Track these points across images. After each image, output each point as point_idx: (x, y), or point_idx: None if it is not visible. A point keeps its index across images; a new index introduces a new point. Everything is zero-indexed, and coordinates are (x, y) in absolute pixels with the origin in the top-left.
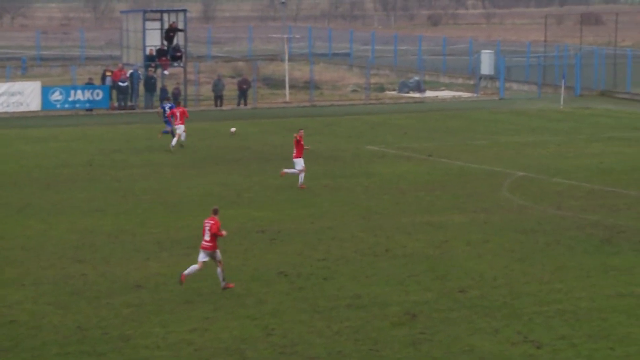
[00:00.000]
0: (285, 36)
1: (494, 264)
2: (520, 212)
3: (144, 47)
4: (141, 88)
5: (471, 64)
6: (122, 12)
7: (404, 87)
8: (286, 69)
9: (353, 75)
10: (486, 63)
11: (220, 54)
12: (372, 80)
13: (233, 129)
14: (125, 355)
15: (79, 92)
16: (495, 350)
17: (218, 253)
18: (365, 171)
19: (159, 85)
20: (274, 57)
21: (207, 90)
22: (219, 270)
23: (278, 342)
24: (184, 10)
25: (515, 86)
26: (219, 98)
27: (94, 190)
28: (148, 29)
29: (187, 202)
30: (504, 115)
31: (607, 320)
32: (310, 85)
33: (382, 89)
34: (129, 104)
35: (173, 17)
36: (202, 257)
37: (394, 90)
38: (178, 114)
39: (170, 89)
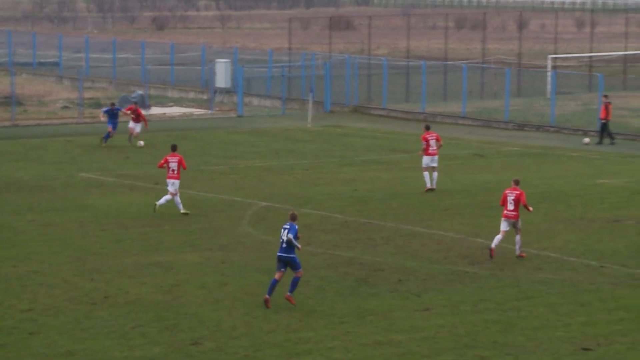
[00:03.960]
0: None
1: (233, 311)
2: (264, 248)
3: None
4: None
5: (204, 76)
6: None
7: (126, 102)
8: None
9: (63, 89)
10: (222, 74)
11: None
12: (87, 95)
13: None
14: None
15: None
16: None
17: (520, 222)
18: (80, 203)
19: None
20: None
21: None
22: (517, 237)
23: None
24: None
25: (256, 101)
26: None
27: None
28: None
29: None
30: (243, 135)
31: None
32: (11, 100)
33: (98, 104)
34: None
35: None
36: (505, 226)
37: (109, 106)
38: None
39: None
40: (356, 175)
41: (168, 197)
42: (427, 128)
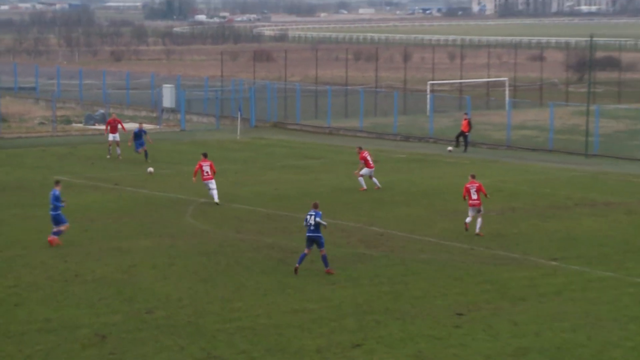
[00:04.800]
0: None
1: (179, 286)
2: (203, 236)
3: None
4: None
5: (153, 97)
6: None
7: (90, 119)
8: None
9: (40, 109)
10: (168, 96)
11: None
12: (59, 113)
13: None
14: None
15: None
16: None
17: (482, 208)
18: None
19: None
20: None
21: None
22: (479, 220)
23: None
24: None
25: (195, 118)
26: None
27: None
28: None
29: None
30: (185, 145)
31: (283, 335)
32: None
33: (68, 121)
34: None
35: None
36: (472, 212)
37: (80, 122)
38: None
39: None
40: (276, 177)
41: (212, 192)
42: (361, 148)
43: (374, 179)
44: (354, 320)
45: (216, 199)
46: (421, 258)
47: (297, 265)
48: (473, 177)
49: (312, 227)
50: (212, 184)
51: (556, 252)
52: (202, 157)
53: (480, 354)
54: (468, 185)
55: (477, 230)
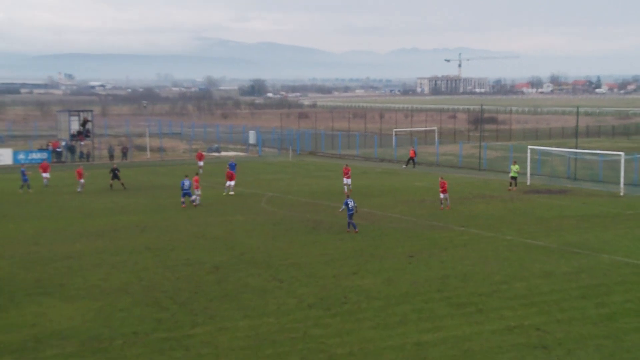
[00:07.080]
0: (147, 124)
1: (259, 241)
2: (272, 214)
3: (70, 129)
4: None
5: (244, 137)
6: (57, 111)
7: (210, 149)
8: (147, 141)
9: (183, 144)
10: (252, 137)
11: (112, 134)
12: (194, 146)
13: (231, 192)
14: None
15: (34, 154)
16: (259, 285)
17: (447, 194)
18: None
19: (78, 150)
20: (141, 135)
21: (105, 152)
22: (445, 196)
23: (146, 284)
24: (91, 111)
25: (267, 149)
26: (111, 156)
27: (49, 205)
28: (72, 120)
29: (100, 211)
30: (261, 164)
31: (314, 267)
32: (160, 148)
33: (195, 150)
34: (62, 160)
35: (85, 114)
36: (442, 197)
37: (204, 151)
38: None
39: (85, 150)
40: (311, 181)
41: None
42: (347, 165)
43: (349, 186)
44: (353, 260)
45: (230, 192)
46: (390, 226)
47: (348, 229)
48: (442, 177)
49: (353, 208)
50: (232, 184)
51: (464, 222)
52: (227, 167)
53: (422, 277)
54: (444, 182)
55: (448, 206)
